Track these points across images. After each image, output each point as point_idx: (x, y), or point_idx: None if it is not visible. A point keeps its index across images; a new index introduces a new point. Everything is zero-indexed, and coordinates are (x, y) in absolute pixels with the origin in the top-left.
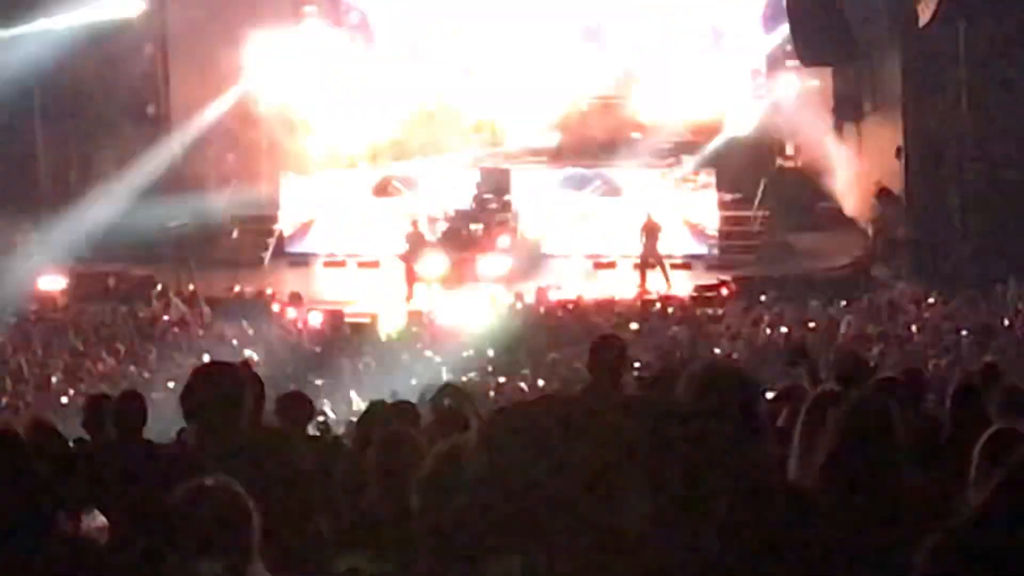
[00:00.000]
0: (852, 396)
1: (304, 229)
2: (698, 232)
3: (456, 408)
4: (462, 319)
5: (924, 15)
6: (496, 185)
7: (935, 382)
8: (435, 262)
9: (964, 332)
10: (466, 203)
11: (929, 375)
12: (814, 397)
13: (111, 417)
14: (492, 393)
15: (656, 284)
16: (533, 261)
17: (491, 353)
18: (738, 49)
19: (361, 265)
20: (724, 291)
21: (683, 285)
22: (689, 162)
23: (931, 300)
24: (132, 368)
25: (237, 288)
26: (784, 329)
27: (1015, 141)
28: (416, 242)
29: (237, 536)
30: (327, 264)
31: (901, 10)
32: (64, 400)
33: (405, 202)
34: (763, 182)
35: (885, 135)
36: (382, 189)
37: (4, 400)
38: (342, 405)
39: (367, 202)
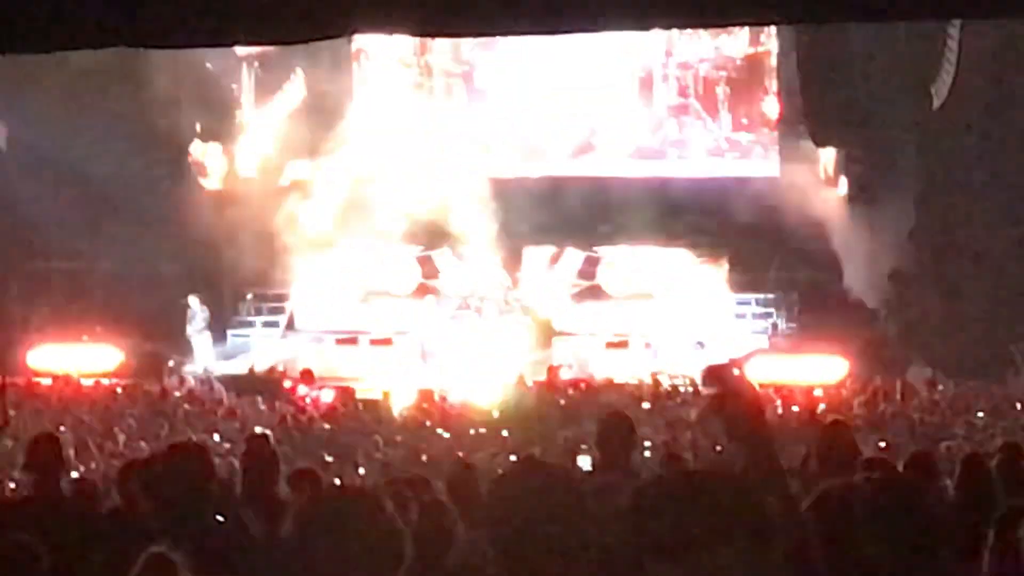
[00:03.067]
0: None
1: (315, 306)
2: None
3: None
4: (473, 396)
5: (938, 97)
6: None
7: (947, 465)
8: (450, 338)
9: (980, 414)
10: (480, 280)
11: (941, 458)
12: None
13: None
14: (501, 472)
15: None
16: (545, 339)
17: (503, 432)
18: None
19: (373, 343)
20: (736, 371)
21: (695, 364)
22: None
23: (942, 384)
24: (143, 444)
25: (249, 364)
26: (795, 408)
27: None
28: (432, 317)
29: None
30: (339, 341)
31: (915, 92)
32: (75, 475)
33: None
34: (776, 262)
35: (898, 216)
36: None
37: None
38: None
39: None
